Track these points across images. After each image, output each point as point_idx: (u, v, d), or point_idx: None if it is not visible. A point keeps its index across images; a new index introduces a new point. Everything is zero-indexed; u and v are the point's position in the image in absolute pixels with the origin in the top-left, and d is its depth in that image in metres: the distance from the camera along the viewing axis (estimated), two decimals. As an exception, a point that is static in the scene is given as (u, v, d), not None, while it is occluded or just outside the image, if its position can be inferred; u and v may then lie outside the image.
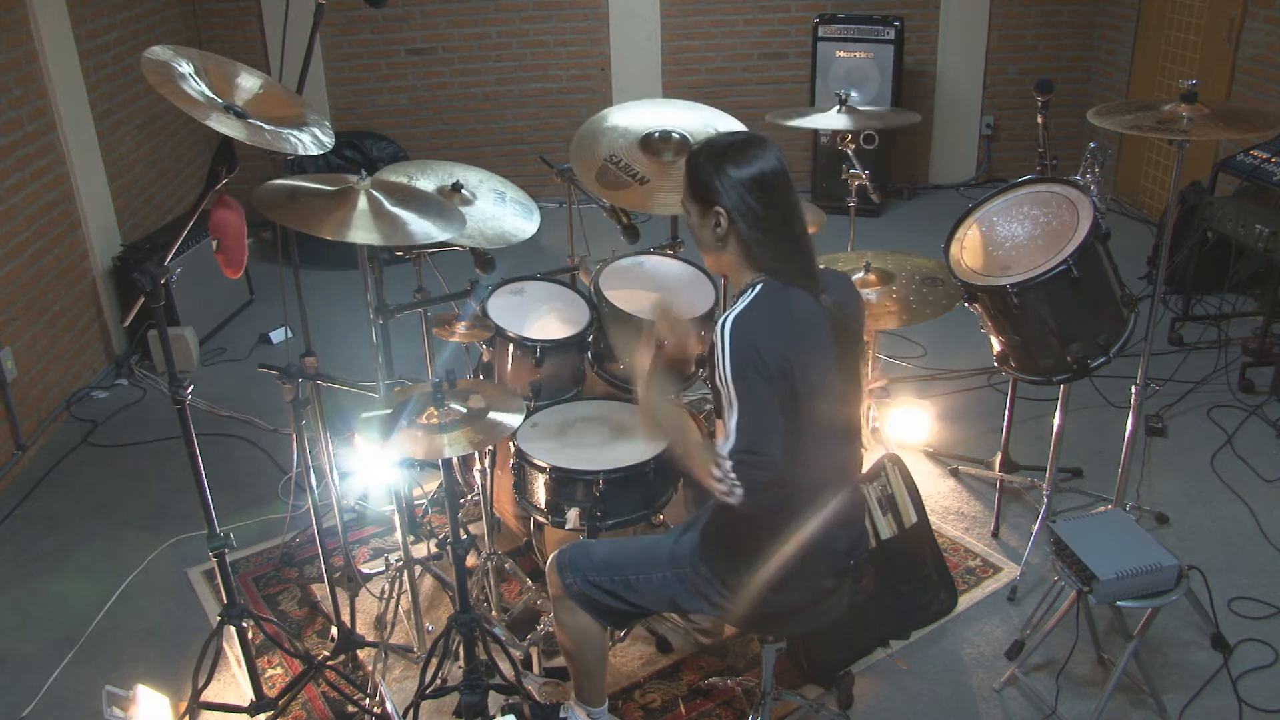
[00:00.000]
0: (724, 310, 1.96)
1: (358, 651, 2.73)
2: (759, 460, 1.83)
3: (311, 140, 2.21)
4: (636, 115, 3.02)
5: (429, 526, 3.18)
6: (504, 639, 2.54)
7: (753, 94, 6.33)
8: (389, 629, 2.74)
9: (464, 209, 2.66)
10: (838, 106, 3.29)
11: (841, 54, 5.89)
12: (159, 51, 2.05)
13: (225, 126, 1.99)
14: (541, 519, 2.56)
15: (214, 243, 2.24)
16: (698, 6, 6.24)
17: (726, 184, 1.86)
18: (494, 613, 2.79)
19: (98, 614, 2.95)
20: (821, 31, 5.90)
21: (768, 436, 1.83)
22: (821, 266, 2.00)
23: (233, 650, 2.72)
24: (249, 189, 2.23)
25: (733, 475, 1.83)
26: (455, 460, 2.29)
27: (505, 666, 2.50)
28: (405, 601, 2.75)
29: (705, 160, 1.90)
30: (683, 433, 2.02)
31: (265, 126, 2.11)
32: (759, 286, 1.89)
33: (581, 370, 2.84)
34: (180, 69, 2.05)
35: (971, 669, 2.66)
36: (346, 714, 2.55)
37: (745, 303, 1.87)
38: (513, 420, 2.09)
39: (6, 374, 3.71)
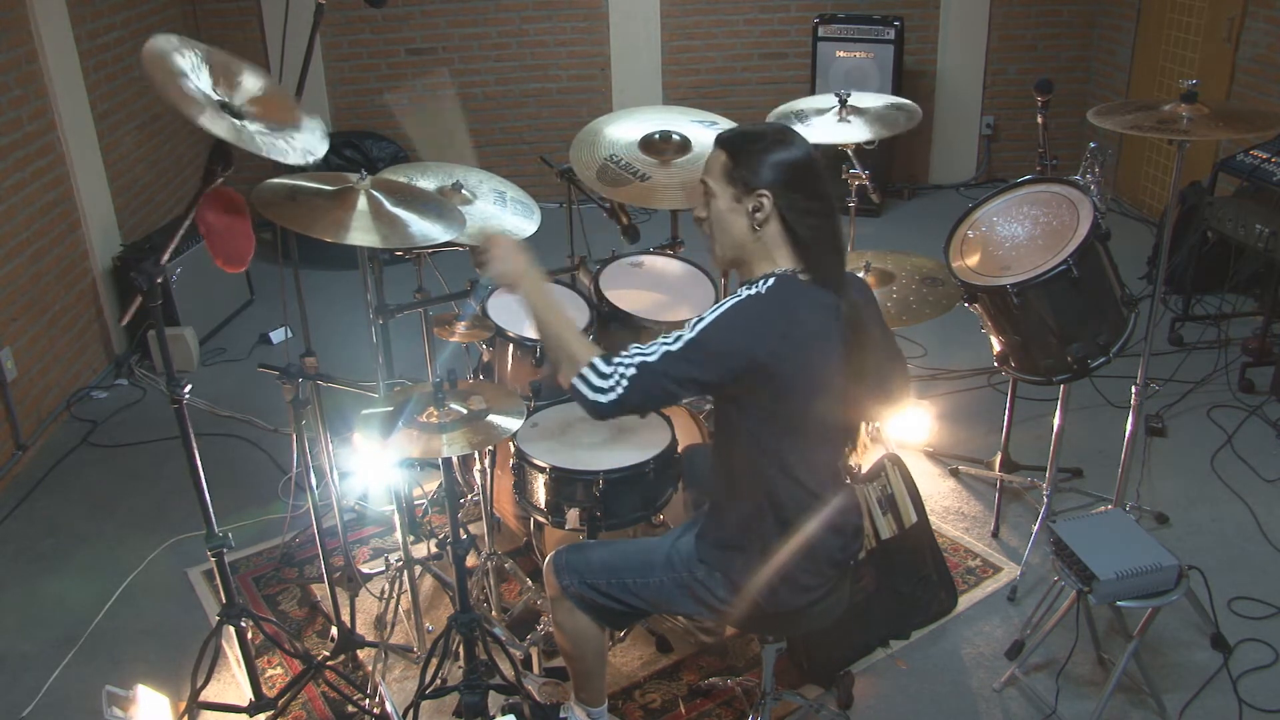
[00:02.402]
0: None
1: (358, 651, 2.73)
2: (650, 388, 1.79)
3: (299, 154, 2.14)
4: (632, 127, 3.02)
5: (429, 526, 3.19)
6: (504, 639, 2.54)
7: (753, 94, 6.33)
8: (389, 629, 2.74)
9: (464, 209, 2.66)
10: (838, 106, 3.27)
11: (841, 54, 5.89)
12: (162, 41, 2.03)
13: (216, 127, 1.97)
14: (541, 519, 2.56)
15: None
16: (698, 6, 6.24)
17: (773, 167, 1.84)
18: (494, 613, 2.79)
19: (98, 614, 2.95)
20: (821, 31, 5.90)
21: (676, 380, 1.79)
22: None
23: (232, 650, 2.72)
24: (249, 188, 2.23)
25: (620, 374, 1.78)
26: (455, 460, 2.29)
27: (505, 666, 2.50)
28: (405, 601, 2.75)
29: (749, 143, 1.87)
30: (557, 308, 1.93)
31: (259, 130, 2.08)
32: (772, 281, 1.86)
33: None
34: (180, 64, 2.03)
35: (971, 669, 2.66)
36: (346, 714, 2.55)
37: (760, 288, 1.85)
38: (513, 421, 2.09)
39: (6, 374, 3.71)
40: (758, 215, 1.87)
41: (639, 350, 1.82)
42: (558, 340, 1.88)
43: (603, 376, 1.80)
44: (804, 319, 1.86)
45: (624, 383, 1.79)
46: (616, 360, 1.81)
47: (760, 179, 1.85)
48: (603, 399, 1.79)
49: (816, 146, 1.91)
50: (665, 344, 1.82)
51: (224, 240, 2.26)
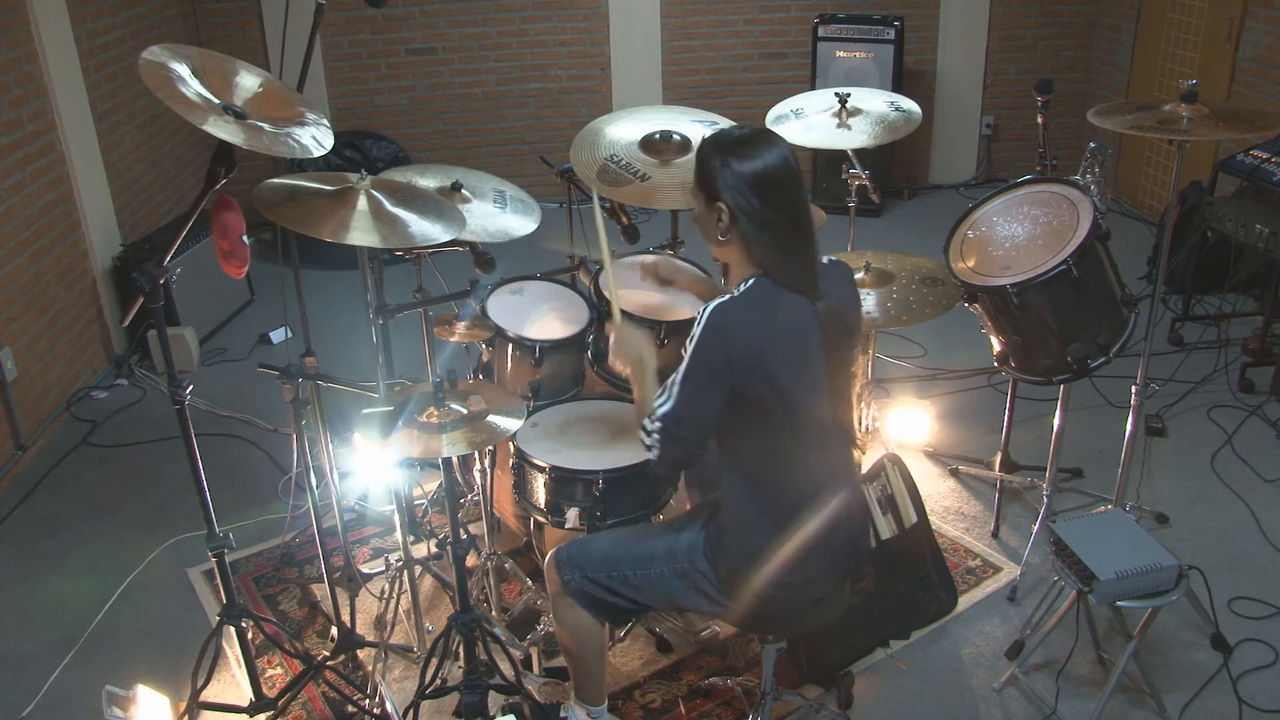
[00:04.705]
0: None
1: (358, 651, 2.73)
2: (680, 437, 1.88)
3: (311, 140, 2.20)
4: (632, 127, 3.01)
5: (429, 526, 3.19)
6: (504, 639, 2.54)
7: (753, 94, 6.33)
8: (389, 629, 2.74)
9: (464, 208, 2.66)
10: (837, 106, 3.24)
11: (841, 54, 5.89)
12: (156, 52, 2.04)
13: (223, 131, 1.97)
14: (541, 519, 2.56)
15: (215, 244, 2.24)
16: (698, 6, 6.24)
17: (730, 179, 1.86)
18: (494, 613, 2.79)
19: (98, 614, 2.95)
20: (821, 31, 5.90)
21: (697, 419, 1.88)
22: (827, 259, 2.00)
23: (232, 650, 2.72)
24: (249, 188, 2.23)
25: (656, 436, 1.89)
26: (455, 460, 2.29)
27: (505, 666, 2.50)
28: (405, 601, 2.75)
29: (712, 152, 1.90)
30: (645, 379, 2.03)
31: (265, 128, 2.10)
32: (751, 282, 1.90)
33: (581, 370, 2.84)
34: (177, 71, 2.04)
35: (971, 669, 2.66)
36: (346, 714, 2.55)
37: (734, 295, 1.89)
38: (512, 421, 2.09)
39: (6, 374, 3.71)
40: (720, 224, 1.90)
41: (659, 402, 1.90)
42: (637, 410, 2.02)
43: (646, 434, 1.92)
44: (784, 320, 1.88)
45: (659, 440, 1.90)
46: (655, 417, 1.89)
47: (719, 191, 1.88)
48: (652, 455, 1.93)
49: (789, 157, 1.92)
50: (662, 401, 1.89)
51: (230, 245, 2.27)
